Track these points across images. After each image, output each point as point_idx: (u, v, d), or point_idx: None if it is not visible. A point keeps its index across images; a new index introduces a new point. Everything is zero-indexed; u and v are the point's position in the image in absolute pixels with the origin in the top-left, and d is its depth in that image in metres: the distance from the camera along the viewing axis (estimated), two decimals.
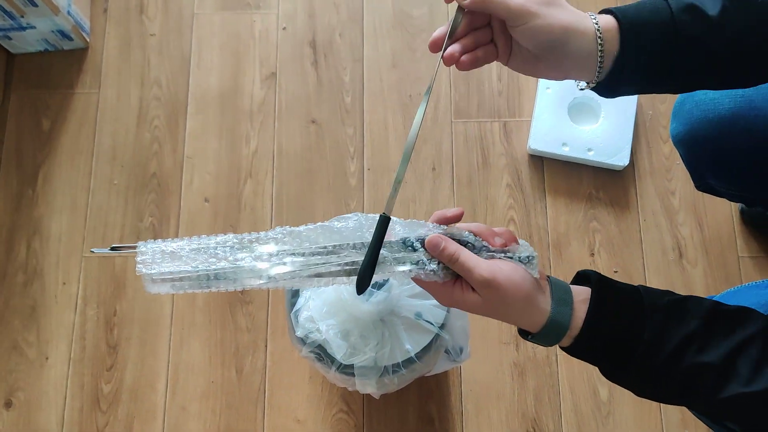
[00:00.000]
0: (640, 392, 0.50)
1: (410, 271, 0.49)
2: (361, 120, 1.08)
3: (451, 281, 0.50)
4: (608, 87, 0.48)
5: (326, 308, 0.73)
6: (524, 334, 0.51)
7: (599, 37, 0.46)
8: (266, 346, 0.97)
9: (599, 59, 0.46)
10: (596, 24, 0.46)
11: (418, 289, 0.75)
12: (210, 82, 1.09)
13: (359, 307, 0.71)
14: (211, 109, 1.08)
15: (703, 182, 0.76)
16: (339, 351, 0.72)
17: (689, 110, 0.70)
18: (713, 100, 0.68)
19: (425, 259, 0.49)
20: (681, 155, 0.76)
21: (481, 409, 0.94)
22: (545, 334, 0.49)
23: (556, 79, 0.50)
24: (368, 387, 0.75)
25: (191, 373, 0.96)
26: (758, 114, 0.64)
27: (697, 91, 0.69)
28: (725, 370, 0.46)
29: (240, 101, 1.08)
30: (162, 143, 1.06)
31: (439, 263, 0.49)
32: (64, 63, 1.10)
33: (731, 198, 0.75)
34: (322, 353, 0.73)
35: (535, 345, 0.97)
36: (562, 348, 0.51)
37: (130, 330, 0.98)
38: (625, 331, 0.47)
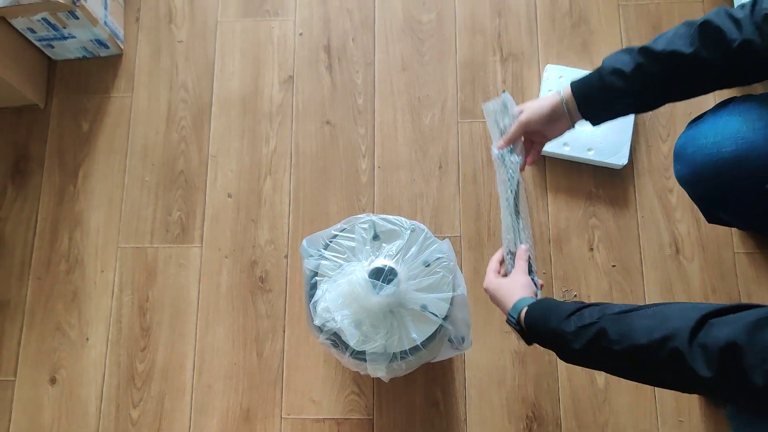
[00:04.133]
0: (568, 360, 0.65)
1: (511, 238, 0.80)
2: (372, 120, 1.09)
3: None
4: (591, 120, 0.73)
5: (341, 300, 0.75)
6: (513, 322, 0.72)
7: (564, 104, 0.73)
8: (284, 331, 1.00)
9: (568, 115, 0.73)
10: (562, 97, 0.73)
11: (424, 283, 0.76)
12: (232, 85, 1.11)
13: (370, 300, 0.73)
14: (234, 111, 1.10)
15: (714, 217, 0.75)
16: (352, 338, 0.73)
17: (692, 154, 0.70)
18: (715, 144, 0.67)
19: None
20: (688, 194, 0.75)
21: (483, 394, 0.96)
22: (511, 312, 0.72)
23: (556, 136, 0.78)
24: (378, 371, 0.76)
25: (216, 355, 1.00)
26: (760, 155, 0.63)
27: (697, 135, 0.69)
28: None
29: (260, 103, 1.10)
30: (188, 143, 1.09)
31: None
32: (100, 69, 1.14)
33: (743, 228, 0.76)
34: (337, 340, 0.75)
35: None
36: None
37: (161, 315, 1.02)
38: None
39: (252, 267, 1.03)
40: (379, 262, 0.74)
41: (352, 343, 0.73)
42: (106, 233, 1.06)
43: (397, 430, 0.95)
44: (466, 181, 1.05)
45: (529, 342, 0.69)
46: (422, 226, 0.78)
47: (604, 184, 1.03)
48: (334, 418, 0.95)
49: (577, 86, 0.72)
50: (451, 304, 0.77)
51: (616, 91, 0.68)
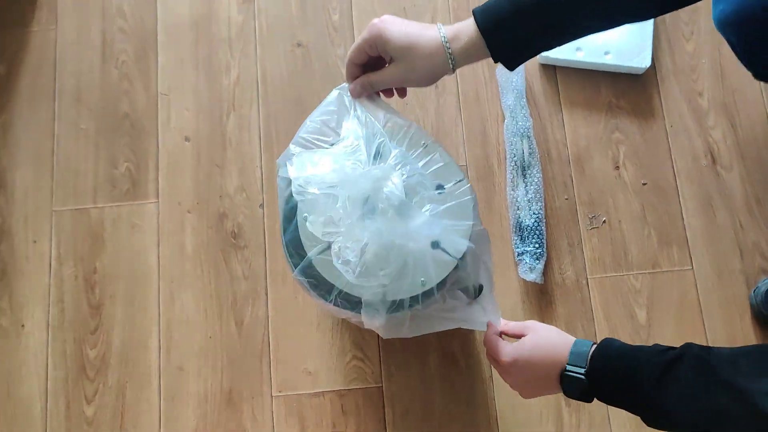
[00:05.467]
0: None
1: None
2: (352, 39, 0.91)
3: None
4: (507, 62, 0.53)
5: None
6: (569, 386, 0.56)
7: (446, 43, 0.53)
8: (267, 294, 0.83)
9: (450, 58, 0.53)
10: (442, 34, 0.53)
11: (438, 211, 0.59)
12: (180, 8, 0.92)
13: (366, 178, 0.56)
14: (185, 39, 0.91)
15: (762, 71, 0.62)
16: (350, 266, 0.56)
17: None
18: None
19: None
20: (731, 42, 0.62)
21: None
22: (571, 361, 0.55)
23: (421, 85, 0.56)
24: (375, 318, 0.60)
25: (186, 329, 0.82)
26: None
27: None
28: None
29: (216, 28, 0.91)
30: (132, 80, 0.90)
31: None
32: None
33: None
34: (318, 280, 0.59)
35: (563, 271, 0.84)
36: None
37: (113, 287, 0.83)
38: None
39: (221, 221, 0.85)
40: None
41: (350, 274, 0.56)
42: (36, 195, 0.86)
43: (412, 396, 0.79)
44: (467, 102, 0.89)
45: (589, 399, 0.55)
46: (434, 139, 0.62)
47: (625, 92, 0.89)
48: (335, 390, 0.79)
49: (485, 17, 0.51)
50: (469, 239, 0.61)
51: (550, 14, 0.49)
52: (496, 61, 0.53)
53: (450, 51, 0.52)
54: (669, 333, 0.81)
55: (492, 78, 0.90)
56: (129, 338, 0.81)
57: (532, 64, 0.90)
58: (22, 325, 0.81)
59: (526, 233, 0.81)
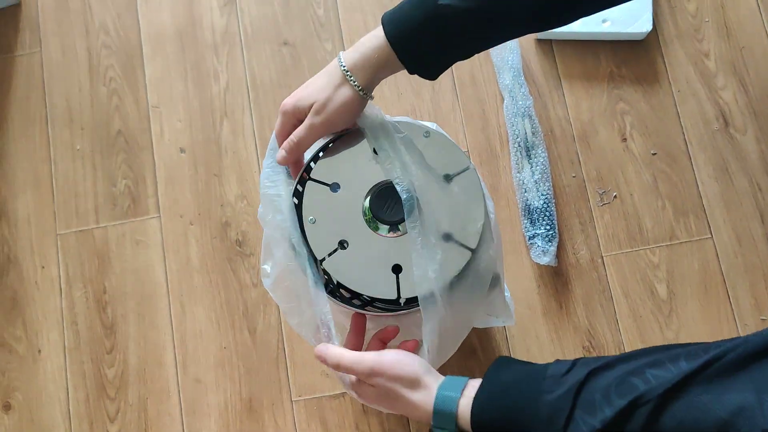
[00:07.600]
0: None
1: None
2: (339, 32, 0.89)
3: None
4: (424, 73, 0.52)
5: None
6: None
7: (347, 74, 0.51)
8: None
9: (358, 89, 0.51)
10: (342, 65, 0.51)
11: (445, 204, 0.56)
12: (162, 18, 0.90)
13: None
14: (170, 49, 0.89)
15: None
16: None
17: None
18: None
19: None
20: None
21: (527, 330, 0.78)
22: (436, 424, 0.44)
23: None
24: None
25: (200, 341, 0.81)
26: None
27: None
28: None
29: (200, 34, 0.89)
30: (122, 96, 0.88)
31: None
32: None
33: None
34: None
35: (577, 251, 0.81)
36: None
37: (124, 306, 0.82)
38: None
39: (225, 230, 0.83)
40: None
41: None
42: (40, 220, 0.85)
43: None
44: (463, 86, 0.86)
45: None
46: (434, 125, 0.59)
47: (627, 60, 0.85)
48: None
49: (396, 29, 0.48)
50: (482, 231, 0.58)
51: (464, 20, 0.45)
52: (411, 74, 0.51)
53: (358, 86, 0.50)
54: (692, 306, 0.78)
55: (487, 58, 0.86)
56: (145, 355, 0.80)
57: (527, 41, 0.86)
58: (39, 351, 0.81)
59: (535, 215, 0.79)
